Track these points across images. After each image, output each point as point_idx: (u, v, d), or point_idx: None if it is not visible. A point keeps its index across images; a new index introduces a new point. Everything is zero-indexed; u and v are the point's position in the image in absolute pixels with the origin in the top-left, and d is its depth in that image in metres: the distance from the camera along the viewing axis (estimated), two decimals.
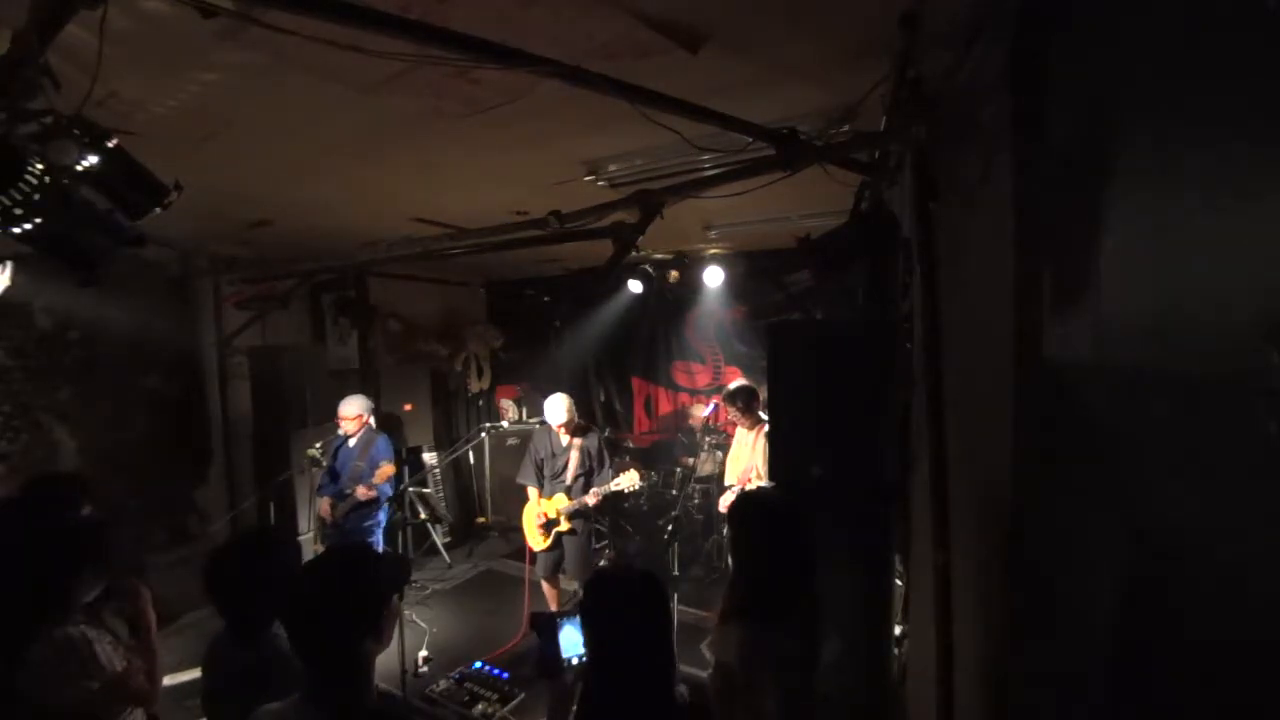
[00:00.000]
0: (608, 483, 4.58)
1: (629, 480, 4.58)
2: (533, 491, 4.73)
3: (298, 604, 1.43)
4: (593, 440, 4.74)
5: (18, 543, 2.05)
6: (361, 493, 4.73)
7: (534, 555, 4.76)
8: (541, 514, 4.63)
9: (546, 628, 1.84)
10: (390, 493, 4.95)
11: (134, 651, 2.09)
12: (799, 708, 1.81)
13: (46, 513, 2.35)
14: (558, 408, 4.62)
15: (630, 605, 1.59)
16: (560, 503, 4.57)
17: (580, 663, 1.79)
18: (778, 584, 1.85)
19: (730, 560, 2.09)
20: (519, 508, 4.90)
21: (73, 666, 1.87)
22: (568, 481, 4.62)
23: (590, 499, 4.54)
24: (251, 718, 1.41)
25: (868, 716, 2.61)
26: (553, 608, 4.91)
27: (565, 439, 4.68)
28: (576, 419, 4.72)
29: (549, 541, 4.64)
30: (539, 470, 4.74)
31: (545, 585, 4.86)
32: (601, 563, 6.16)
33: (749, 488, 4.65)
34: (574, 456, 4.64)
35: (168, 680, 2.24)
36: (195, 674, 1.87)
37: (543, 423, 4.81)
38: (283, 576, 1.73)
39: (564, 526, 4.60)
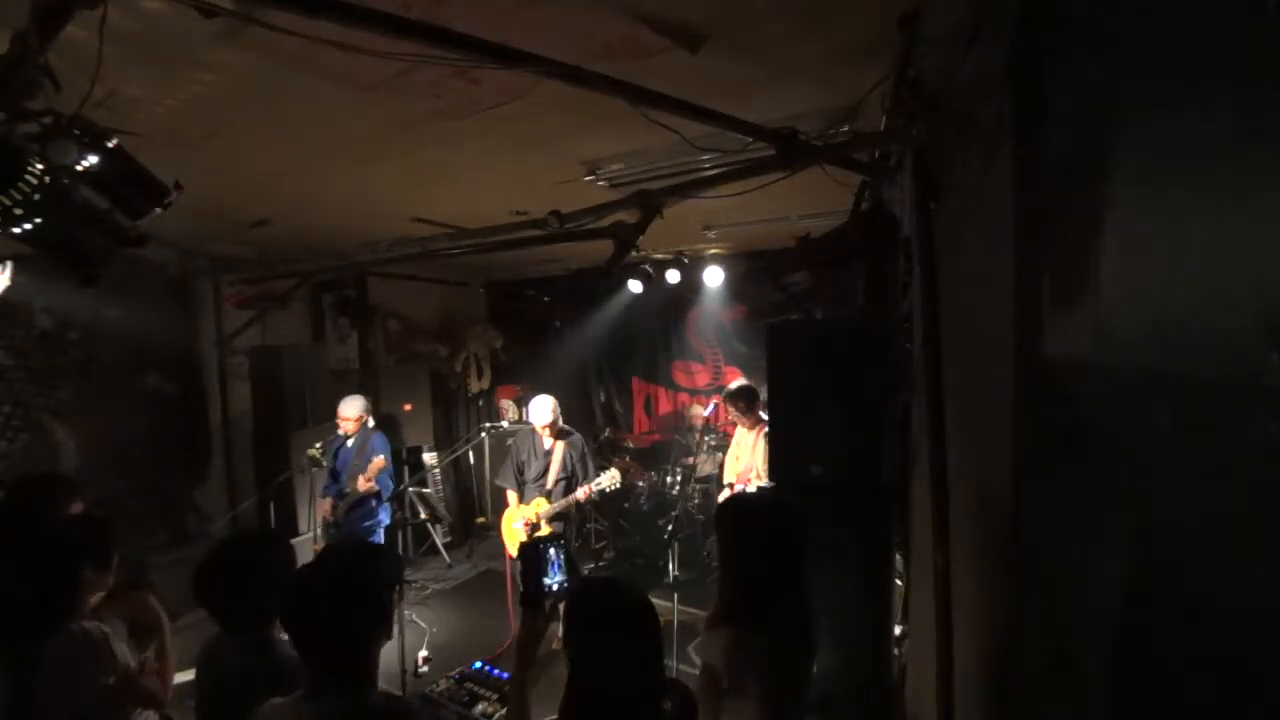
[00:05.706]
0: (589, 483, 4.48)
1: (610, 479, 4.49)
2: (512, 496, 4.63)
3: (301, 603, 1.41)
4: (576, 444, 4.62)
5: (19, 543, 2.04)
6: (361, 484, 4.72)
7: (513, 561, 4.59)
8: (523, 519, 4.51)
9: (530, 556, 1.73)
10: (391, 489, 4.94)
11: (139, 649, 2.08)
12: (784, 711, 1.79)
13: (36, 514, 2.30)
14: (542, 409, 4.52)
15: (618, 624, 1.46)
16: (541, 506, 4.47)
17: (561, 589, 1.70)
18: (763, 587, 1.82)
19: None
20: None
21: (90, 662, 1.86)
22: (548, 486, 4.51)
23: (580, 496, 4.45)
24: (257, 713, 1.40)
25: (868, 717, 2.61)
26: None
27: (548, 441, 4.59)
28: (560, 422, 4.61)
29: None
30: (519, 474, 4.63)
31: None
32: (591, 567, 6.16)
33: (749, 488, 4.65)
34: (556, 460, 4.55)
35: None
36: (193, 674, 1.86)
37: (526, 423, 4.68)
38: (275, 576, 1.71)
39: (545, 531, 4.49)
